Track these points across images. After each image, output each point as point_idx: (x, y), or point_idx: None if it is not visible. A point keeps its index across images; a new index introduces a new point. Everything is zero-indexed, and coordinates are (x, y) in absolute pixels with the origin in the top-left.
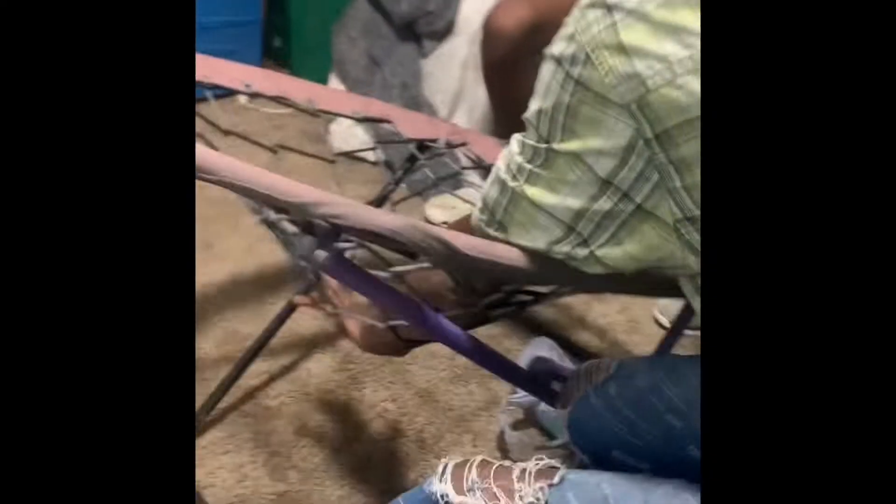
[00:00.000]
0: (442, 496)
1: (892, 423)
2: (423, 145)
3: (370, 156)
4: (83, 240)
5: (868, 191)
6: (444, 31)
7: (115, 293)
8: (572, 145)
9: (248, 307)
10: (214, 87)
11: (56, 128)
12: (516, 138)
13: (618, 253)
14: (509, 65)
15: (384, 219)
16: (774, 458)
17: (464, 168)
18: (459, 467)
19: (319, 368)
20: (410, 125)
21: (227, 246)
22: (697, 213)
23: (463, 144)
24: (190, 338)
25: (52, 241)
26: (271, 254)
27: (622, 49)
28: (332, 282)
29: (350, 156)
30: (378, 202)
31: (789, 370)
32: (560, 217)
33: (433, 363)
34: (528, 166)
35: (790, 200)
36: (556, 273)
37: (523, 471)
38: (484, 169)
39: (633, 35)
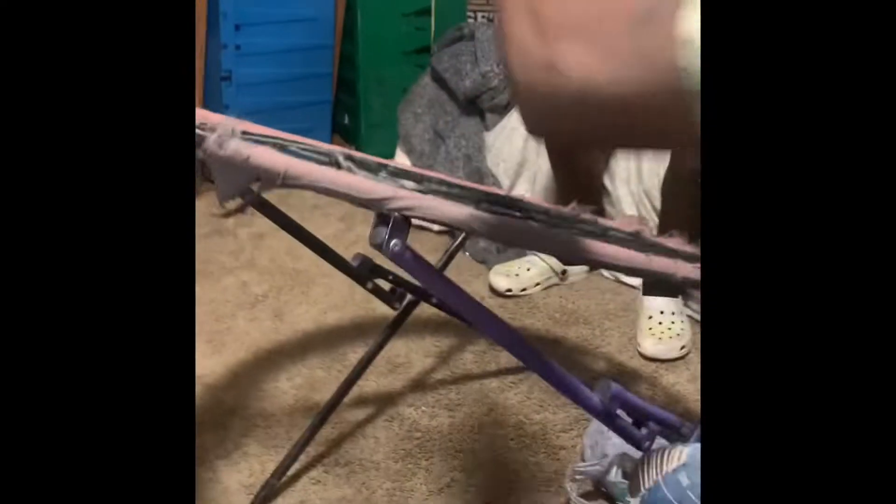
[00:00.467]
0: None
1: (892, 421)
2: None
3: (434, 225)
4: (84, 250)
5: (867, 190)
6: (506, 106)
7: (115, 312)
8: None
9: (318, 374)
10: None
11: (65, 156)
12: None
13: None
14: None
15: (452, 210)
16: (775, 458)
17: None
18: None
19: (387, 436)
20: None
21: (297, 314)
22: None
23: None
24: (189, 351)
25: (53, 253)
26: (340, 322)
27: None
28: None
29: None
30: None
31: (789, 370)
32: None
33: (501, 432)
34: None
35: (790, 200)
36: None
37: None
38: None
39: None
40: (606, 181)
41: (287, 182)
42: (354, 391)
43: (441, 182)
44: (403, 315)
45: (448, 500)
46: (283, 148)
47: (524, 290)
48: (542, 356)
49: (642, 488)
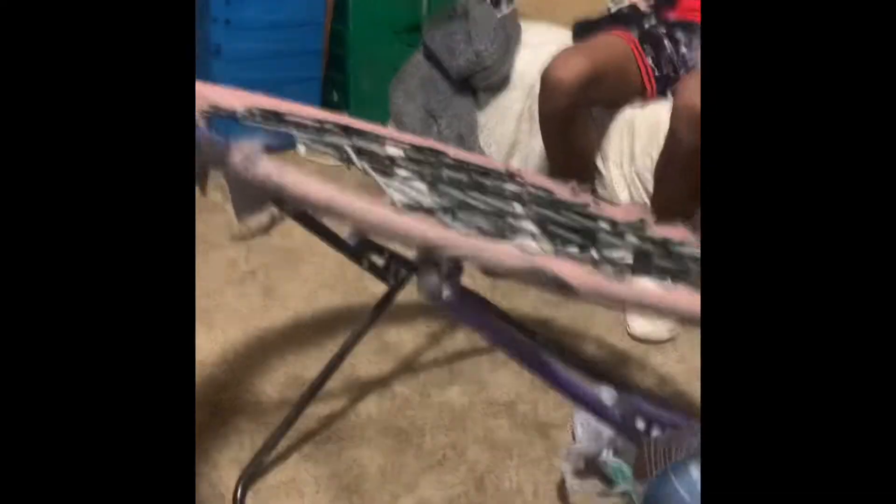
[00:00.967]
0: None
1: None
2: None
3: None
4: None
5: (866, 190)
6: (499, 85)
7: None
8: None
9: (308, 352)
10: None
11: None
12: None
13: None
14: (566, 115)
15: (511, 260)
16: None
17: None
18: None
19: (378, 414)
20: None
21: (287, 292)
22: None
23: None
24: (190, 345)
25: (57, 250)
26: (331, 300)
27: None
28: None
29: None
30: None
31: (789, 367)
32: None
33: (492, 410)
34: None
35: (789, 200)
36: None
37: None
38: (535, 197)
39: None
40: (599, 163)
41: (327, 214)
42: (346, 371)
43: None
44: (396, 289)
45: (439, 476)
46: (280, 120)
47: None
48: (581, 385)
49: (650, 474)
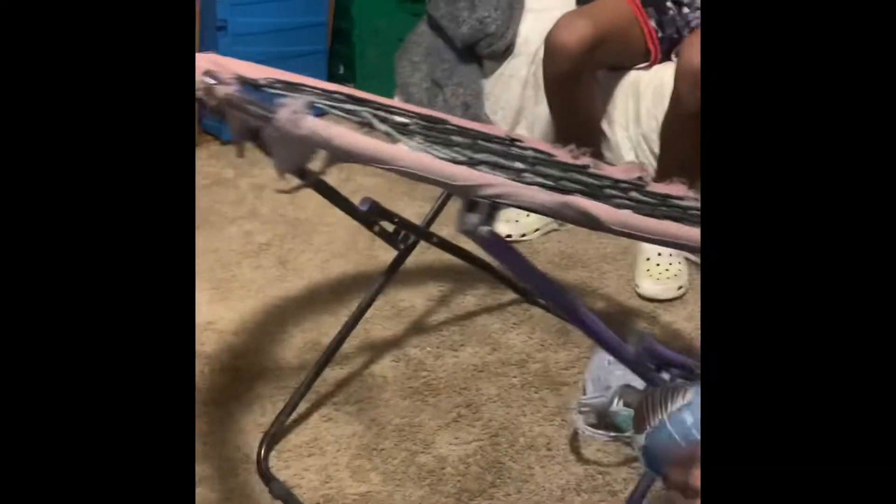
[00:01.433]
0: None
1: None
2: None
3: None
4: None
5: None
6: (504, 52)
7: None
8: None
9: (323, 319)
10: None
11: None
12: None
13: None
14: (570, 79)
15: (541, 197)
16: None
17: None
18: None
19: (394, 376)
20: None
21: (301, 262)
22: None
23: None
24: (189, 329)
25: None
26: (344, 269)
27: None
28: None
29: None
30: (432, 218)
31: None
32: None
33: (504, 370)
34: None
35: (789, 200)
36: None
37: None
38: (538, 159)
39: None
40: (605, 127)
41: (372, 164)
42: (361, 335)
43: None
44: (405, 254)
45: (455, 434)
46: (298, 90)
47: (524, 235)
48: (600, 324)
49: (648, 426)
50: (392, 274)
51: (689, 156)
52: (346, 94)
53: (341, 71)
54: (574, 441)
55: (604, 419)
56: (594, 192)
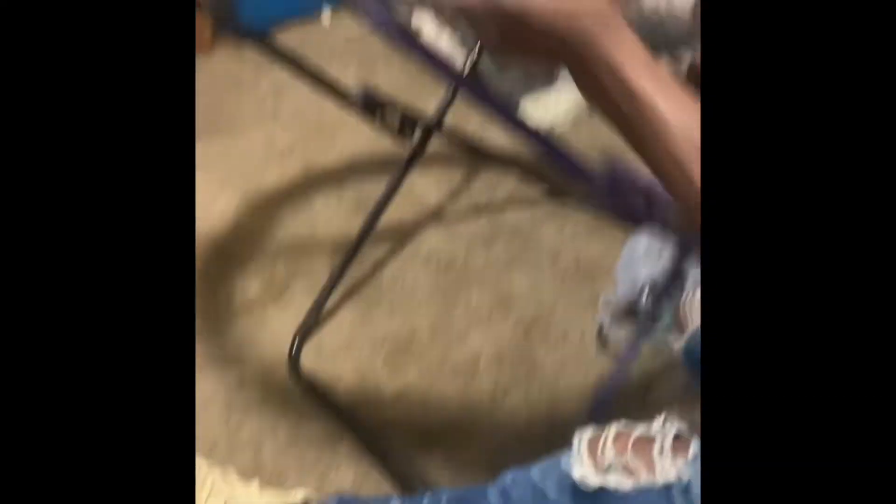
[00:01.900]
0: (581, 479)
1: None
2: None
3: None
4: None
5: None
6: None
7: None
8: None
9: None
10: None
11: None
12: None
13: None
14: None
15: None
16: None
17: None
18: (594, 442)
19: (426, 273)
20: None
21: (326, 163)
22: None
23: None
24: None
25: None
26: (368, 170)
27: None
28: None
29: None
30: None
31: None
32: None
33: (537, 263)
34: None
35: (790, 201)
36: None
37: (661, 445)
38: None
39: None
40: None
41: None
42: (389, 234)
43: None
44: (420, 148)
45: (488, 328)
46: None
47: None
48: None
49: (686, 328)
50: (409, 168)
51: None
52: None
53: None
54: (601, 335)
55: (630, 315)
56: None
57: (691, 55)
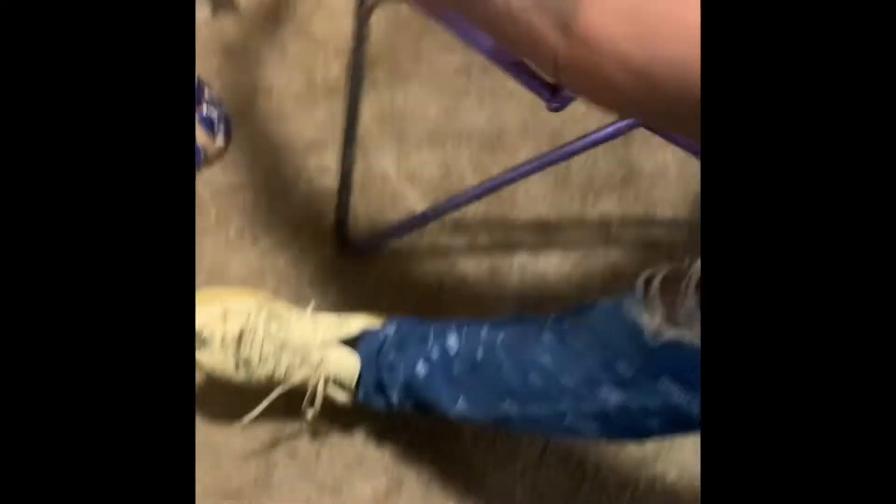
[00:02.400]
0: (653, 332)
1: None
2: None
3: None
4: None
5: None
6: None
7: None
8: None
9: None
10: None
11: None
12: None
13: None
14: None
15: None
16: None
17: None
18: (669, 285)
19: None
20: None
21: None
22: None
23: None
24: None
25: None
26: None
27: None
28: None
29: None
30: None
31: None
32: None
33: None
34: None
35: (790, 201)
36: None
37: None
38: None
39: None
40: None
41: None
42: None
43: None
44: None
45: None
46: None
47: None
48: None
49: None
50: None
51: None
52: None
53: None
54: None
55: None
56: None
57: None
